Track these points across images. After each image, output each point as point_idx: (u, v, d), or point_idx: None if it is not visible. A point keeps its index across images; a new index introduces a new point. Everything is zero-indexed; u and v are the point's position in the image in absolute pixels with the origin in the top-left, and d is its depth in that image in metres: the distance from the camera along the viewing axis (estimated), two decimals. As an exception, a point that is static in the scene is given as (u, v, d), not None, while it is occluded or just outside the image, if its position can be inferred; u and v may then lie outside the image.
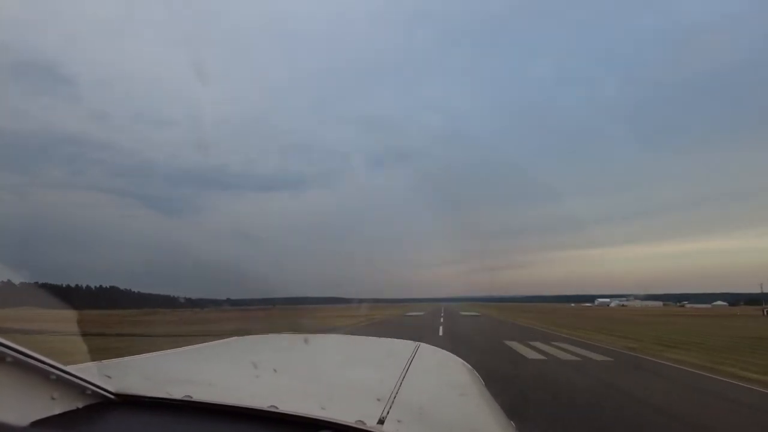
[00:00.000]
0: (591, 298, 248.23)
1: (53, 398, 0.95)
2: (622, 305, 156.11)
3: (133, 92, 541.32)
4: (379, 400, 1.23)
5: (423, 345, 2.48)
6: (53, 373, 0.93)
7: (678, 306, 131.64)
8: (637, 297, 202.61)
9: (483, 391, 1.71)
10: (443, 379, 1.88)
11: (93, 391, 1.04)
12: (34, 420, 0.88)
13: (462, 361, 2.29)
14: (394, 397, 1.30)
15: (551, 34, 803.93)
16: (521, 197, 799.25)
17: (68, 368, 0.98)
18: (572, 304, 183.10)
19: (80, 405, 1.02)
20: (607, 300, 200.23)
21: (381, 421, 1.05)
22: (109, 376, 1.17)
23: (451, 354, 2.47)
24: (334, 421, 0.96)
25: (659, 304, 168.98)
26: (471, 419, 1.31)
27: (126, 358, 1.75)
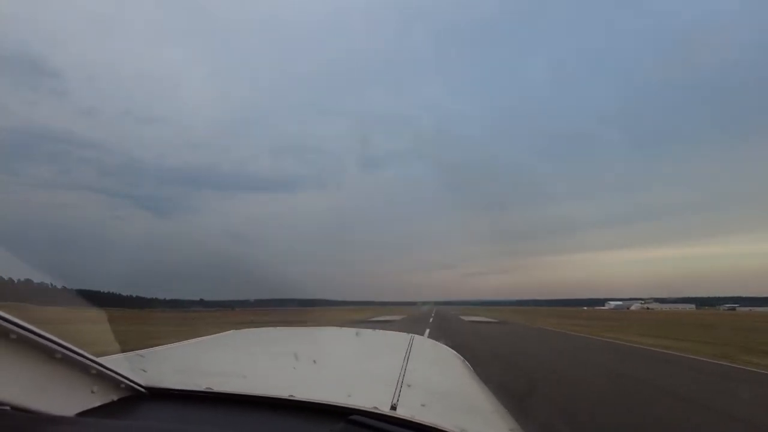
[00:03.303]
0: (589, 302, 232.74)
1: (93, 391, 1.01)
2: (647, 308, 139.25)
3: (122, 88, 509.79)
4: (387, 387, 1.34)
5: (417, 336, 2.71)
6: (93, 368, 0.99)
7: (726, 309, 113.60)
8: (656, 300, 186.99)
9: (475, 377, 1.98)
10: (440, 367, 2.12)
11: (126, 384, 1.12)
12: (79, 411, 0.95)
13: (453, 350, 2.62)
14: (401, 384, 1.41)
15: (545, 35, 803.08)
16: (517, 200, 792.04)
17: (105, 361, 1.05)
18: (585, 308, 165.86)
19: (115, 398, 1.09)
20: (620, 302, 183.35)
21: (393, 407, 1.12)
22: (144, 370, 1.28)
23: (442, 344, 2.81)
24: (352, 407, 1.01)
25: (691, 306, 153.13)
26: (469, 403, 1.47)
27: (153, 349, 1.98)
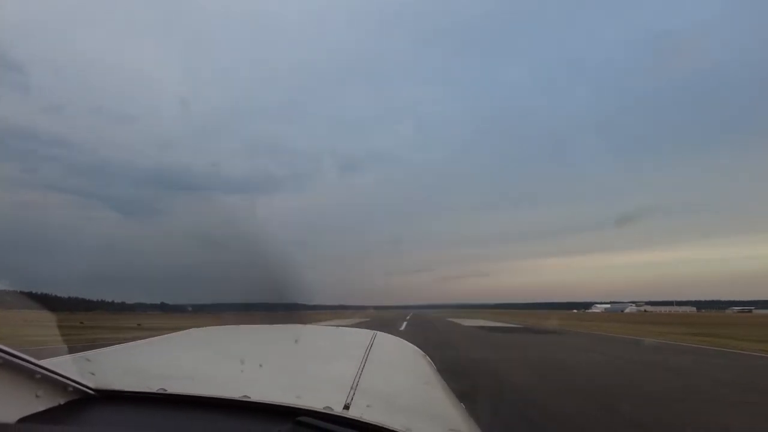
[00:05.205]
0: (572, 306, 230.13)
1: (38, 396, 0.97)
2: (644, 311, 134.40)
3: (91, 85, 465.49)
4: (343, 386, 1.31)
5: (379, 333, 2.67)
6: (38, 372, 0.95)
7: (739, 311, 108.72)
8: (647, 303, 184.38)
9: (436, 374, 1.95)
10: (400, 364, 2.11)
11: (74, 387, 1.07)
12: (20, 417, 0.91)
13: (415, 347, 2.56)
14: (357, 383, 1.38)
15: (525, 41, 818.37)
16: (496, 205, 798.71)
17: (51, 364, 1.01)
18: (574, 310, 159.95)
19: (62, 401, 1.04)
20: (608, 305, 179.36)
21: (347, 407, 1.12)
22: (93, 373, 1.21)
23: (406, 341, 2.76)
24: (304, 407, 1.01)
25: (692, 309, 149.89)
26: (426, 400, 1.46)
27: (103, 350, 1.87)
